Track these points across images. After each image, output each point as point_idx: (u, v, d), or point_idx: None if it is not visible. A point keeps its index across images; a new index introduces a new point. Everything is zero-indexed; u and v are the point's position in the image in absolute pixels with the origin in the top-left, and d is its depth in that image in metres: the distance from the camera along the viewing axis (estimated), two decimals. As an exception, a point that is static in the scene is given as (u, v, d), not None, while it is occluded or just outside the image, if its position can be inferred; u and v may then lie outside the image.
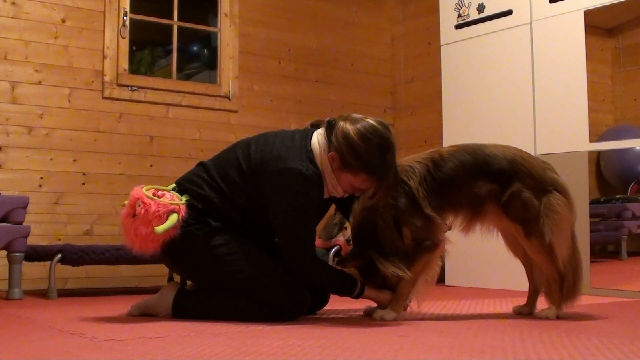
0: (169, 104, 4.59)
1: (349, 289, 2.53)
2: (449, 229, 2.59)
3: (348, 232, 3.81)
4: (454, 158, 2.50)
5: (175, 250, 2.50)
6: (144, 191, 2.45)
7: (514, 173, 2.47)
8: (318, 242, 4.09)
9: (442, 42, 4.46)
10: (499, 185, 2.48)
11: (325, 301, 2.75)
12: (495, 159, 2.49)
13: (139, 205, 2.39)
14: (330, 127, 2.48)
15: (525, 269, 2.69)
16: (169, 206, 2.41)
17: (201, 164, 2.65)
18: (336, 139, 2.43)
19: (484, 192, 2.48)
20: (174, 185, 2.60)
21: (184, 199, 2.50)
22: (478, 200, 2.50)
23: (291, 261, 2.47)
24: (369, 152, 2.38)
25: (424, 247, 2.46)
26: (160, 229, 2.36)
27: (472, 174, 2.49)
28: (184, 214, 2.44)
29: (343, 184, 2.49)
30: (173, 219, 2.39)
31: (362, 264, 2.52)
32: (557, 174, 2.54)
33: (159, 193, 2.48)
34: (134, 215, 2.40)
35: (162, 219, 2.38)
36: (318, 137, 2.51)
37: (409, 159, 2.55)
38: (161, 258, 2.64)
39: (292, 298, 2.46)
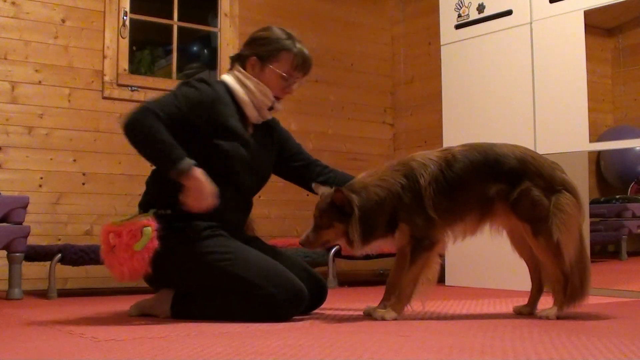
0: (169, 104, 4.58)
1: (171, 161, 2.37)
2: None
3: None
4: (466, 158, 2.49)
5: (163, 267, 2.48)
6: (110, 224, 2.46)
7: (524, 172, 2.47)
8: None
9: (442, 42, 4.46)
10: (509, 184, 2.47)
11: (322, 299, 2.74)
12: (506, 158, 2.49)
13: (112, 237, 2.40)
14: (236, 57, 2.74)
15: (529, 269, 2.69)
16: (139, 222, 2.42)
17: (146, 181, 2.72)
18: (245, 49, 2.71)
19: (494, 192, 2.48)
20: (137, 211, 2.61)
21: (150, 213, 2.51)
22: (488, 200, 2.49)
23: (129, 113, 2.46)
24: (275, 33, 2.68)
25: (423, 246, 2.46)
26: (138, 245, 2.36)
27: (483, 174, 2.48)
28: (156, 225, 2.43)
29: (271, 80, 2.65)
30: (148, 231, 2.40)
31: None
32: (566, 174, 2.54)
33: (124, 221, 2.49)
34: (112, 248, 2.41)
35: (137, 236, 2.39)
36: (225, 75, 2.72)
37: (422, 155, 2.54)
38: (150, 281, 2.63)
39: (288, 293, 2.44)
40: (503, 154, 2.50)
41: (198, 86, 2.56)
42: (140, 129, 2.38)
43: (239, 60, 2.71)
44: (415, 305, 2.58)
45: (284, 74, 2.65)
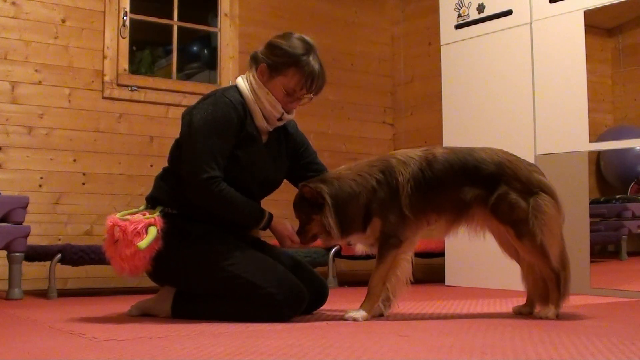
0: (169, 104, 4.59)
1: (255, 219, 2.53)
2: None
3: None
4: (446, 161, 2.51)
5: (165, 265, 2.49)
6: (117, 216, 2.48)
7: (501, 176, 2.49)
8: (317, 241, 4.08)
9: (442, 42, 4.46)
10: (487, 189, 2.50)
11: (323, 299, 2.74)
12: (484, 163, 2.51)
13: (117, 231, 2.40)
14: (252, 58, 2.60)
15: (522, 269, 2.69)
16: (144, 221, 2.42)
17: (157, 176, 2.69)
18: (261, 51, 2.58)
19: (471, 197, 2.50)
20: (144, 205, 2.62)
21: (157, 211, 2.51)
22: (463, 205, 2.51)
23: (186, 179, 2.46)
24: (292, 44, 2.52)
25: (390, 244, 2.48)
26: (143, 244, 2.36)
27: (461, 179, 2.50)
28: (161, 225, 2.44)
29: (275, 92, 2.53)
30: (153, 231, 2.41)
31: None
32: (544, 176, 2.56)
33: (132, 215, 2.49)
34: (115, 242, 2.41)
35: (142, 234, 2.39)
36: (242, 77, 2.62)
37: (403, 152, 2.57)
38: (152, 277, 2.65)
39: (288, 293, 2.44)
40: (482, 159, 2.52)
41: (224, 112, 2.49)
42: (213, 202, 2.46)
43: (254, 61, 2.59)
44: (394, 305, 2.58)
45: (287, 90, 2.54)
